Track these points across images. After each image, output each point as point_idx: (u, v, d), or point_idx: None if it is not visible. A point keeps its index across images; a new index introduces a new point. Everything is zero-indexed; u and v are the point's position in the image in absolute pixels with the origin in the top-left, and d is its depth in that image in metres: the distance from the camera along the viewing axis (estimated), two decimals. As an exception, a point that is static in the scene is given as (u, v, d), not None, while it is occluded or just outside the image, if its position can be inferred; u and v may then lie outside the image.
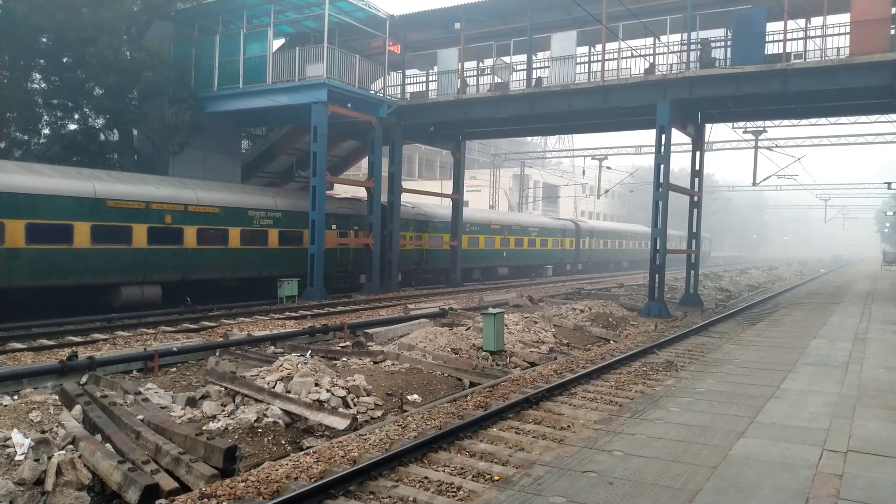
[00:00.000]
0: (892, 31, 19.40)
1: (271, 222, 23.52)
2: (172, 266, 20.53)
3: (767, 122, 30.53)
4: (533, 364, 13.62)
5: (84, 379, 10.42)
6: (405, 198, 30.18)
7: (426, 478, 6.67)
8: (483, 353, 13.85)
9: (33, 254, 17.13)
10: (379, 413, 10.06)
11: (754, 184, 34.66)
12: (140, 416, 8.37)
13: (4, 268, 16.56)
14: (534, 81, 24.32)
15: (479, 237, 36.23)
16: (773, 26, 21.32)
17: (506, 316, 16.17)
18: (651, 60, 22.39)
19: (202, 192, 21.79)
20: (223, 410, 9.54)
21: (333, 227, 25.64)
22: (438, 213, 33.06)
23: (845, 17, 20.40)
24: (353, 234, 27.05)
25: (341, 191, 34.19)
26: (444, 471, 6.90)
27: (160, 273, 20.19)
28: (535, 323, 17.46)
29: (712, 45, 21.78)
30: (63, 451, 7.35)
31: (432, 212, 32.89)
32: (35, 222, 17.10)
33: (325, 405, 9.57)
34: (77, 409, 8.65)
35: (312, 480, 6.48)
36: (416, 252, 31.56)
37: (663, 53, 22.49)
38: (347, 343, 14.75)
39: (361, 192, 29.43)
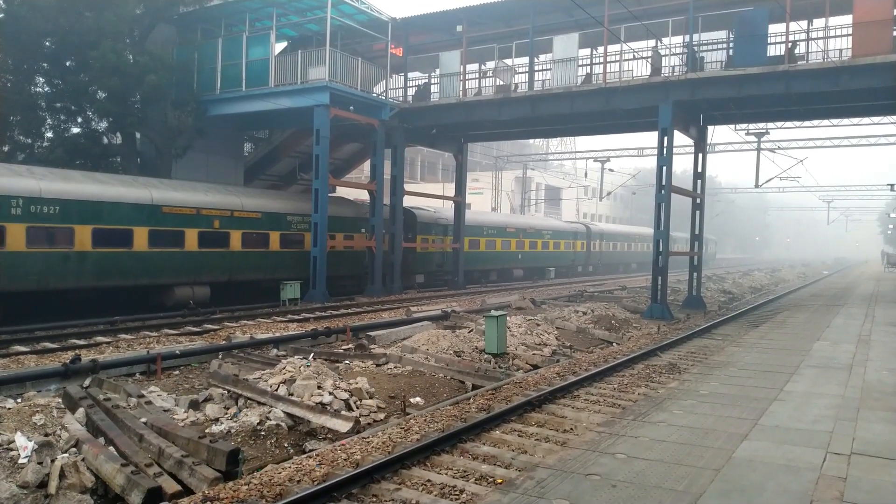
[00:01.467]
0: (895, 33, 19.37)
1: (307, 227, 24.18)
2: (220, 268, 21.77)
3: (770, 124, 30.50)
4: (535, 366, 13.61)
5: (87, 382, 10.45)
6: (426, 203, 31.40)
7: (429, 481, 6.67)
8: (485, 356, 13.84)
9: (99, 256, 18.49)
10: (382, 416, 10.06)
11: (757, 186, 34.59)
12: (143, 419, 8.38)
13: (74, 269, 17.93)
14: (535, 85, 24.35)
15: (496, 240, 37.41)
16: (774, 28, 21.34)
17: (508, 318, 16.16)
18: (653, 62, 22.37)
19: (246, 198, 23.03)
20: (226, 413, 9.54)
21: (363, 230, 27.48)
22: (452, 216, 33.61)
23: (848, 19, 20.40)
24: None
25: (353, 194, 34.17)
26: (446, 474, 6.90)
27: (209, 274, 21.43)
28: (538, 325, 17.45)
29: (703, 47, 21.83)
30: (66, 454, 7.36)
31: (452, 216, 33.88)
32: (100, 227, 18.52)
33: (328, 408, 9.57)
34: (80, 412, 8.66)
35: (315, 483, 6.48)
36: (439, 254, 33.17)
37: (666, 56, 22.49)
38: (350, 346, 14.75)
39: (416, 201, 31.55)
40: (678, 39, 22.90)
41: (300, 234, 24.17)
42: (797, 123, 30.86)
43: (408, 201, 29.46)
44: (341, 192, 32.98)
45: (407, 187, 29.49)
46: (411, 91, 28.11)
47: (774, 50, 20.99)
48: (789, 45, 20.51)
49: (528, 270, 41.22)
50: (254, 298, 22.92)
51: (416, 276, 31.46)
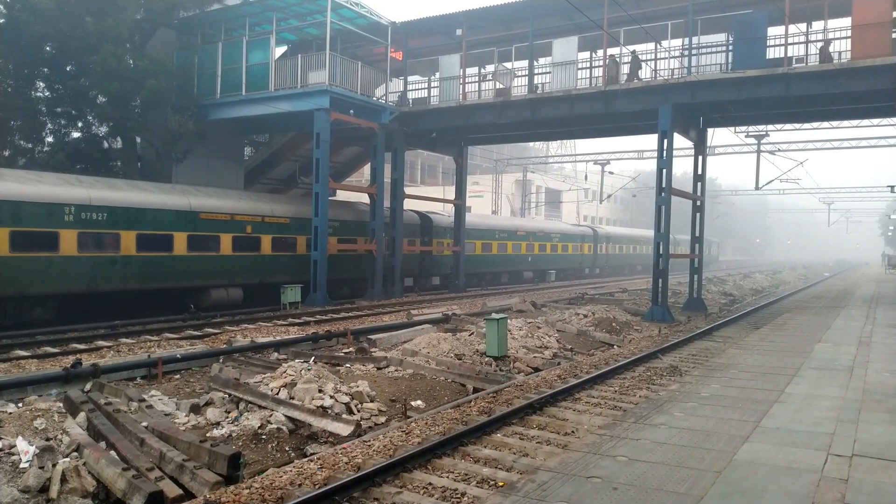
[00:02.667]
0: (894, 35, 19.39)
1: (331, 231, 24.72)
2: (252, 271, 22.90)
3: (770, 126, 30.52)
4: (537, 369, 13.61)
5: (88, 386, 10.44)
6: (445, 208, 32.08)
7: (430, 484, 6.67)
8: (486, 359, 13.85)
9: (142, 260, 19.56)
10: (383, 419, 10.06)
11: (757, 188, 34.60)
12: (144, 423, 8.38)
13: (120, 273, 19.04)
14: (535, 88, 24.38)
15: (507, 243, 38.49)
16: (773, 31, 21.36)
17: (509, 321, 16.16)
18: (653, 66, 22.41)
19: (275, 204, 24.40)
20: (227, 417, 9.54)
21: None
22: (472, 222, 35.60)
23: (847, 22, 20.42)
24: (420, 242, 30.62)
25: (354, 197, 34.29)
26: (448, 477, 6.90)
27: (242, 277, 22.58)
28: (539, 328, 17.45)
29: (703, 50, 21.88)
30: (67, 459, 7.36)
31: (470, 221, 35.24)
32: (143, 233, 19.58)
33: (329, 411, 9.57)
34: (81, 416, 8.66)
35: (316, 487, 6.49)
36: (454, 257, 33.53)
37: (664, 59, 22.52)
38: (351, 349, 14.76)
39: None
40: (677, 42, 22.95)
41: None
42: (797, 125, 30.91)
43: (408, 204, 29.50)
44: (349, 196, 33.08)
45: (407, 191, 29.52)
46: (411, 95, 28.14)
47: (774, 52, 21.02)
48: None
49: (537, 273, 42.35)
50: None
51: (433, 279, 32.73)
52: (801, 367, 12.23)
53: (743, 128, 30.60)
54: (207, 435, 8.64)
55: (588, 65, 24.56)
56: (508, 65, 25.97)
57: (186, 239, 20.62)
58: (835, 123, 30.62)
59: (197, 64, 25.66)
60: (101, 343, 15.06)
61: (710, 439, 7.68)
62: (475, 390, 11.89)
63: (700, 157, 25.71)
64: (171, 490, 6.72)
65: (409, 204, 29.64)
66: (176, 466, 7.16)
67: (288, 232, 24.03)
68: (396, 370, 12.61)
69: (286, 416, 9.35)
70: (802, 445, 7.42)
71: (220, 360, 13.11)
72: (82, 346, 14.64)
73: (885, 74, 18.96)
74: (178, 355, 13.01)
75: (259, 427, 9.01)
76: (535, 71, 24.92)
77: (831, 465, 6.77)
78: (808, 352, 13.94)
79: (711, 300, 29.33)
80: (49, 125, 24.19)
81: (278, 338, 15.65)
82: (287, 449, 8.76)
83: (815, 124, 29.76)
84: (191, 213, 20.84)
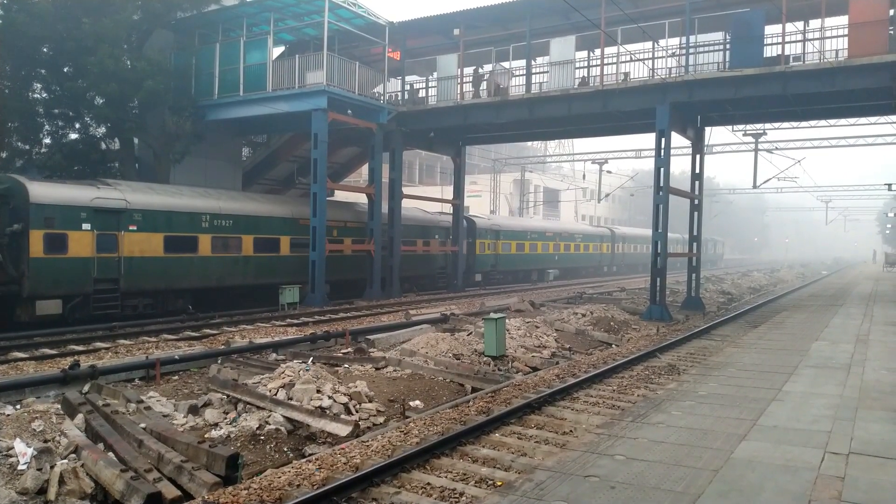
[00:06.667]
0: (891, 33, 19.42)
1: (369, 233, 27.11)
2: (337, 269, 25.61)
3: (767, 125, 30.54)
4: (535, 369, 13.62)
5: (86, 388, 10.44)
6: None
7: (429, 484, 6.68)
8: (485, 359, 13.86)
9: (257, 260, 23.04)
10: (381, 419, 10.07)
11: (755, 186, 34.70)
12: (142, 425, 8.38)
13: (241, 270, 22.48)
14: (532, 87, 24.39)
15: (537, 243, 42.16)
16: (770, 29, 21.38)
17: (507, 321, 16.18)
18: (650, 65, 22.43)
19: (352, 212, 27.81)
20: (225, 418, 9.54)
21: (437, 236, 32.59)
22: (507, 224, 40.13)
23: (843, 20, 20.45)
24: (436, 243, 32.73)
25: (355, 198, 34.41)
26: (446, 477, 6.91)
27: (330, 274, 24.64)
28: (537, 328, 17.47)
29: (700, 49, 21.89)
30: (65, 460, 7.37)
31: (505, 223, 40.08)
32: (259, 237, 23.05)
33: (328, 412, 9.57)
34: (79, 417, 8.66)
35: (315, 487, 6.49)
36: (493, 256, 37.32)
37: (662, 57, 22.53)
38: (349, 349, 14.75)
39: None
40: (675, 41, 22.97)
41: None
42: (794, 124, 30.90)
43: (406, 203, 29.52)
44: (353, 197, 33.07)
45: (405, 190, 29.52)
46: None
47: (771, 51, 21.05)
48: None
49: (563, 270, 45.67)
50: (349, 294, 24.90)
51: (475, 276, 35.76)
52: (799, 365, 12.25)
53: (740, 126, 30.64)
54: (206, 436, 8.64)
55: (586, 64, 24.59)
56: (506, 64, 25.97)
57: (290, 242, 24.13)
58: (832, 122, 30.64)
59: (194, 65, 25.64)
60: (98, 345, 15.05)
61: (708, 438, 7.70)
62: (473, 390, 11.90)
63: (698, 156, 25.74)
64: (170, 491, 6.72)
65: (407, 203, 29.65)
66: (174, 467, 7.16)
67: (363, 234, 27.12)
68: (395, 370, 12.61)
69: (284, 416, 9.36)
70: (800, 443, 7.43)
71: (219, 361, 13.10)
72: (80, 348, 14.64)
73: (883, 72, 18.97)
74: (177, 356, 13.01)
75: (257, 428, 9.01)
76: (533, 70, 24.93)
77: (828, 462, 6.78)
78: (805, 350, 13.96)
79: (709, 299, 29.36)
80: (47, 126, 24.17)
81: (276, 338, 15.65)
82: (285, 449, 8.76)
83: (812, 123, 29.75)
84: (293, 220, 24.38)
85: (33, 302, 17.19)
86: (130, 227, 19.18)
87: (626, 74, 22.96)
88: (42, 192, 17.61)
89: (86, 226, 18.20)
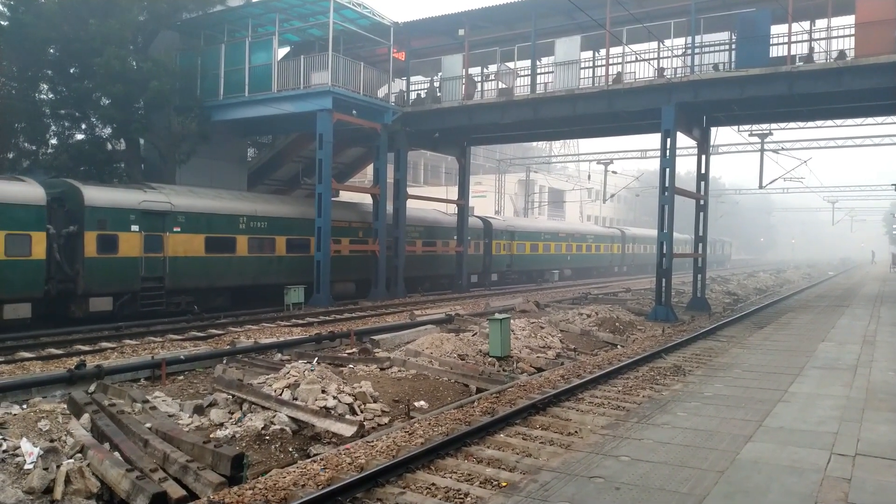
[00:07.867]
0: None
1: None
2: (362, 268, 26.83)
3: (773, 125, 30.43)
4: (540, 369, 13.60)
5: (92, 387, 10.47)
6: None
7: (433, 484, 6.67)
8: (490, 359, 13.84)
9: (289, 260, 24.15)
10: (386, 420, 10.07)
11: (761, 187, 34.54)
12: (148, 425, 8.40)
13: (275, 269, 23.58)
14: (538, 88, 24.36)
15: (550, 244, 43.46)
16: (776, 29, 21.30)
17: (512, 321, 16.15)
18: (655, 65, 22.38)
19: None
20: (230, 418, 9.57)
21: (455, 237, 32.90)
22: (523, 225, 41.48)
23: (850, 20, 20.35)
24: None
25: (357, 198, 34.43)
26: (451, 477, 6.91)
27: (356, 273, 26.66)
28: (542, 328, 17.43)
29: (705, 49, 21.85)
30: (72, 460, 7.39)
31: (520, 224, 41.50)
32: (291, 238, 24.12)
33: (332, 412, 9.58)
34: (85, 417, 8.69)
35: (320, 487, 6.50)
36: (508, 256, 38.34)
37: (667, 57, 22.48)
38: (354, 350, 14.77)
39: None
40: (680, 41, 22.90)
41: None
42: (800, 124, 30.81)
43: (411, 204, 29.52)
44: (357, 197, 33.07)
45: (410, 191, 29.52)
46: (414, 95, 28.14)
47: (777, 51, 20.96)
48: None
49: (575, 270, 46.95)
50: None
51: (492, 275, 36.78)
52: (805, 366, 12.20)
53: (746, 126, 30.54)
54: (211, 436, 8.66)
55: (591, 64, 24.55)
56: (511, 64, 25.94)
57: None
58: (839, 122, 30.54)
59: (200, 65, 25.69)
60: (104, 344, 15.09)
61: (713, 439, 7.67)
62: (478, 390, 11.89)
63: (703, 156, 25.65)
64: (175, 491, 6.74)
65: (411, 204, 29.65)
66: (179, 467, 7.18)
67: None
68: (399, 371, 12.61)
69: (289, 416, 9.37)
70: (806, 445, 7.40)
71: (224, 361, 13.12)
72: (86, 348, 14.69)
73: (890, 72, 18.87)
74: (182, 356, 13.04)
75: (262, 428, 9.03)
76: (538, 70, 24.90)
77: (834, 464, 6.75)
78: (811, 351, 13.91)
79: (715, 300, 29.27)
80: (53, 127, 24.26)
81: (282, 339, 15.68)
82: (290, 450, 8.78)
83: (818, 123, 29.65)
84: None
85: (87, 299, 18.11)
86: (175, 229, 20.20)
87: (619, 73, 22.93)
88: (96, 195, 18.56)
89: (134, 227, 19.25)
